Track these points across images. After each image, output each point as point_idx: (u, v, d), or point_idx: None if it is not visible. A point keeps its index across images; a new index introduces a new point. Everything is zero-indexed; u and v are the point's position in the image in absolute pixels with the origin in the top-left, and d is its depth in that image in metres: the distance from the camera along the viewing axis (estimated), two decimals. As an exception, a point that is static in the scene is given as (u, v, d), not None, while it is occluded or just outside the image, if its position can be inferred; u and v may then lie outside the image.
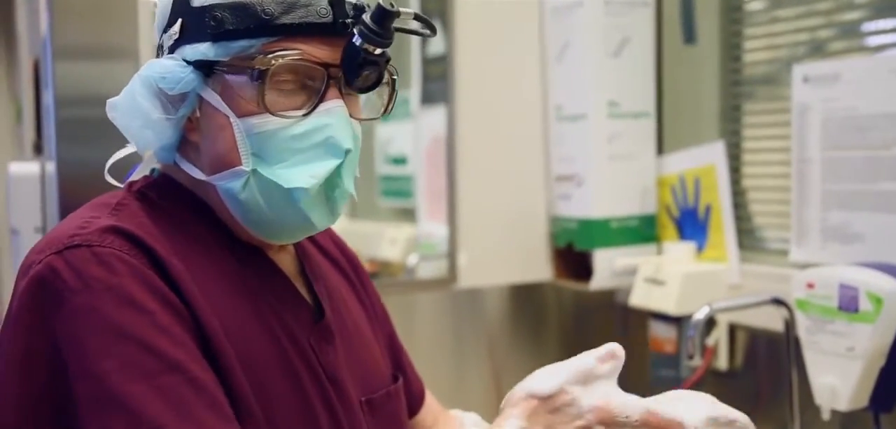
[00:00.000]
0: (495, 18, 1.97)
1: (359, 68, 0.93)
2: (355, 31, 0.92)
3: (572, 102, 1.93)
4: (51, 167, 1.50)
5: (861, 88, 1.51)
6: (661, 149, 1.97)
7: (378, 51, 0.93)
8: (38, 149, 1.73)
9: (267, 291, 0.99)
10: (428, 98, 2.15)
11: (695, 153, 1.86)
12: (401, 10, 0.93)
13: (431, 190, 2.11)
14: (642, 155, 1.93)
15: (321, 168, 0.93)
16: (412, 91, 2.22)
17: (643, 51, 1.93)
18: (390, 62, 0.98)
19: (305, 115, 0.93)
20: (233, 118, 0.93)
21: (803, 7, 1.71)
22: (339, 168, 0.94)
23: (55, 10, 1.44)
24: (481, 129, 1.97)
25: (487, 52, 1.97)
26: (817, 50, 1.69)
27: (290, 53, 0.92)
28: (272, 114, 0.92)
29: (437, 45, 2.02)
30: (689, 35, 1.92)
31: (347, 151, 0.94)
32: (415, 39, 2.18)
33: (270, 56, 0.91)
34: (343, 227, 2.40)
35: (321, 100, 0.93)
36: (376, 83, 0.98)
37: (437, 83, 2.04)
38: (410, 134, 2.24)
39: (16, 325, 0.88)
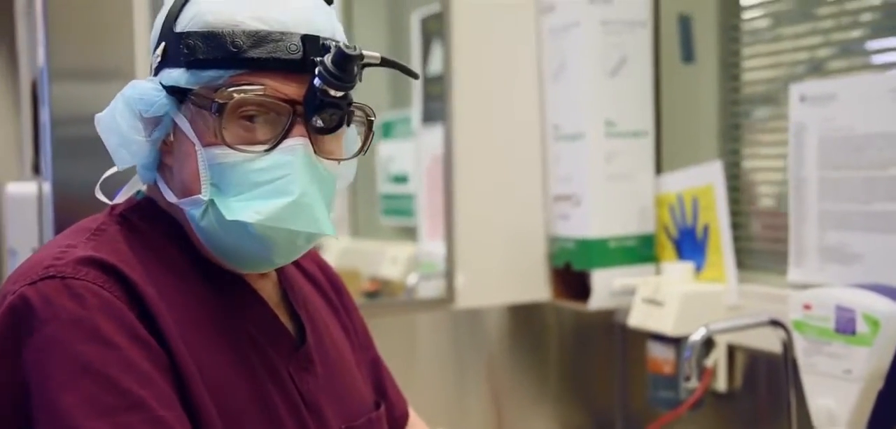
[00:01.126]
0: (492, 37, 1.97)
1: (317, 109, 0.92)
2: (316, 71, 0.91)
3: (569, 122, 1.92)
4: (47, 187, 1.51)
5: (858, 108, 1.50)
6: (659, 168, 1.96)
7: (339, 93, 0.92)
8: (36, 169, 1.73)
9: (245, 319, 0.99)
10: (429, 117, 2.15)
11: (693, 173, 1.85)
12: (365, 53, 0.92)
13: (432, 209, 2.10)
14: (640, 174, 1.93)
15: (268, 205, 0.91)
16: (413, 110, 2.23)
17: (641, 70, 1.92)
18: (357, 104, 0.96)
19: (267, 150, 0.92)
20: (198, 146, 0.93)
21: (802, 26, 1.70)
22: (293, 205, 0.92)
23: (52, 32, 1.45)
24: (479, 148, 1.97)
25: (484, 72, 1.97)
26: (816, 69, 1.69)
27: (254, 88, 0.91)
28: (230, 147, 0.92)
29: (438, 65, 2.02)
30: (688, 54, 1.91)
31: (303, 190, 0.92)
32: (416, 58, 2.18)
33: (232, 89, 0.91)
34: (345, 245, 2.41)
35: (285, 136, 0.92)
36: (339, 125, 0.95)
37: (439, 102, 2.04)
38: (412, 152, 2.24)
39: None
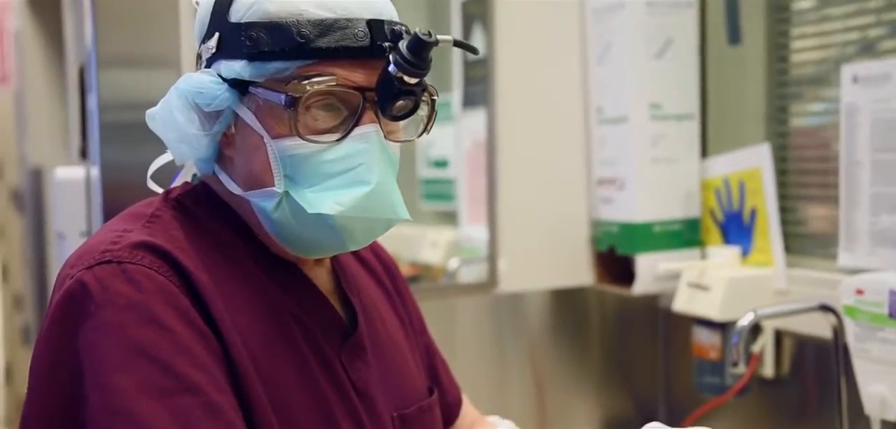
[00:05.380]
0: (536, 20, 1.96)
1: (394, 97, 0.91)
2: (391, 58, 0.90)
3: (614, 105, 1.90)
4: (95, 171, 1.53)
5: (913, 89, 1.47)
6: (704, 151, 1.93)
7: (414, 80, 0.91)
8: (84, 154, 1.75)
9: (297, 306, 0.99)
10: (469, 101, 2.15)
11: (739, 156, 1.82)
12: (439, 37, 0.91)
13: (473, 193, 2.10)
14: (686, 158, 1.90)
15: (349, 195, 0.91)
16: (454, 94, 2.22)
17: (686, 52, 1.90)
18: (428, 85, 0.95)
19: (339, 139, 0.91)
20: (267, 139, 0.92)
21: (852, 5, 1.66)
22: (371, 194, 0.92)
23: (99, 19, 1.47)
24: (522, 131, 1.95)
25: (528, 54, 1.95)
26: (867, 49, 1.65)
27: (325, 79, 0.90)
28: (304, 139, 0.91)
29: (479, 48, 2.01)
30: (734, 35, 1.88)
31: (380, 178, 0.92)
32: (455, 42, 2.17)
33: (305, 82, 0.90)
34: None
35: (356, 124, 0.92)
36: (412, 111, 0.95)
37: (479, 86, 2.03)
38: (452, 137, 2.23)
39: (47, 337, 0.89)
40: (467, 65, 2.16)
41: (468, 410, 1.25)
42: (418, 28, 0.90)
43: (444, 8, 2.22)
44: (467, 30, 2.12)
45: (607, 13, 1.90)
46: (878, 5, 1.62)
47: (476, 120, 2.03)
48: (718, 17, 1.91)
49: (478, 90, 2.04)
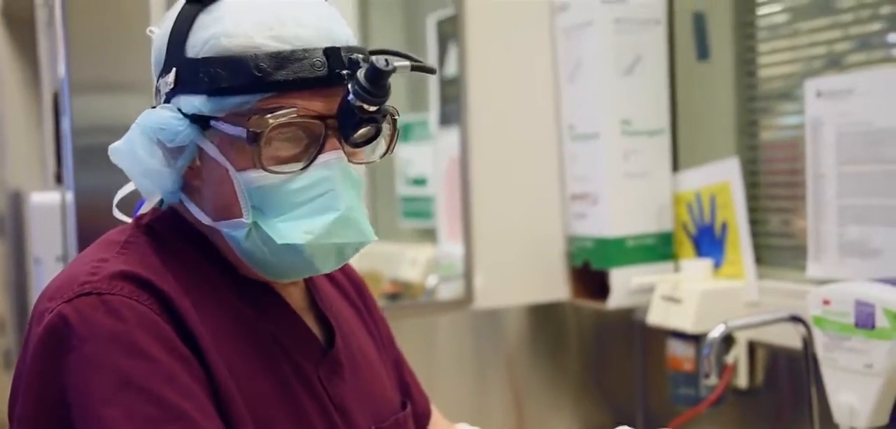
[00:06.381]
0: (507, 38, 1.98)
1: (356, 125, 0.92)
2: (350, 88, 0.90)
3: (585, 121, 1.93)
4: (69, 196, 1.53)
5: (875, 102, 1.49)
6: (676, 166, 1.95)
7: (374, 107, 0.91)
8: (59, 178, 1.76)
9: (274, 326, 1.00)
10: (446, 119, 2.16)
11: (710, 170, 1.85)
12: (396, 65, 0.91)
13: (451, 211, 2.11)
14: (657, 172, 1.92)
15: (317, 223, 0.92)
16: (431, 113, 2.23)
17: (656, 68, 1.92)
18: (389, 108, 0.96)
19: (303, 168, 0.92)
20: (232, 172, 0.92)
21: (819, 20, 1.69)
22: (340, 220, 0.93)
23: (72, 46, 1.48)
24: (495, 149, 1.97)
25: (499, 73, 1.97)
26: (834, 64, 1.68)
27: (287, 112, 0.90)
28: (268, 171, 0.91)
29: (455, 67, 2.03)
30: (703, 51, 1.91)
31: (347, 204, 0.93)
32: (433, 61, 2.19)
33: (267, 115, 0.90)
34: (364, 248, 2.42)
35: (319, 152, 0.92)
36: (375, 137, 0.96)
37: (456, 104, 2.04)
38: (430, 155, 2.25)
39: (31, 372, 0.89)
40: (444, 84, 2.17)
41: (437, 419, 1.27)
42: (373, 57, 0.91)
43: (420, 27, 2.24)
44: (443, 48, 2.14)
45: (577, 31, 1.92)
46: (844, 20, 1.65)
47: (453, 138, 2.04)
48: (687, 34, 1.93)
49: (454, 108, 2.06)
